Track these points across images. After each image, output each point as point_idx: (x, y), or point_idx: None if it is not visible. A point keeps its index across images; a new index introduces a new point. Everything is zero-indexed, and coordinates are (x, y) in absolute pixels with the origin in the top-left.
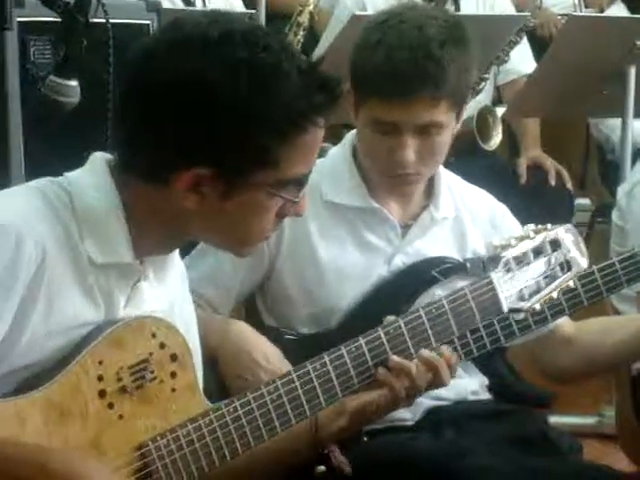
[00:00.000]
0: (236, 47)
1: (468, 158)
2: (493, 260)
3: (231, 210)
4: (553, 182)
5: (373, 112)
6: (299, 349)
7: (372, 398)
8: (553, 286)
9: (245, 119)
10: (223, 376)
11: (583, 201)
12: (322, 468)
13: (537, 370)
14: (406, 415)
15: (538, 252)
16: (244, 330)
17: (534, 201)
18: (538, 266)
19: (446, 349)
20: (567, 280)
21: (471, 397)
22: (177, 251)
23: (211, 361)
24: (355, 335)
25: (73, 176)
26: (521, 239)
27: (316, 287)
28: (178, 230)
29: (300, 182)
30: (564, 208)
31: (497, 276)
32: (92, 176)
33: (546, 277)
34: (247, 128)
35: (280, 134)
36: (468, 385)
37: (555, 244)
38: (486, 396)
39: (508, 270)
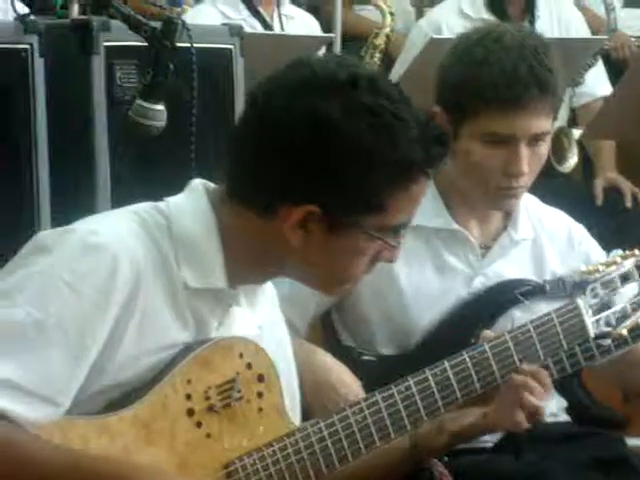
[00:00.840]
0: (361, 91)
1: (543, 180)
2: (580, 285)
3: (331, 249)
4: (629, 204)
5: (488, 125)
6: (377, 370)
7: (472, 419)
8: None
9: (363, 163)
10: (308, 407)
11: None
12: None
13: (611, 393)
14: (486, 437)
15: (626, 278)
16: (327, 362)
17: (610, 223)
18: (625, 292)
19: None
20: None
21: (549, 419)
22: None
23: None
24: (434, 356)
25: (172, 201)
26: (608, 265)
27: (396, 309)
28: (274, 263)
29: (400, 229)
30: None
31: (584, 301)
32: (191, 202)
33: (633, 303)
34: (364, 172)
35: (394, 182)
36: (547, 407)
37: None
38: (564, 418)
39: (595, 296)
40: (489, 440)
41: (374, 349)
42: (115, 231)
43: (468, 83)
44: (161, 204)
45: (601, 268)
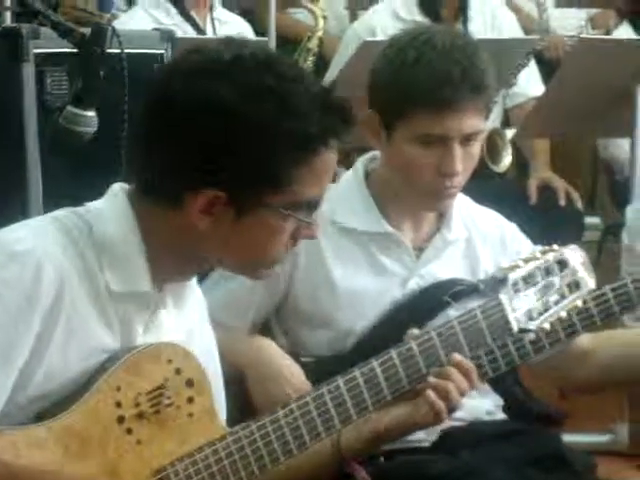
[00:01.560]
0: (254, 70)
1: (477, 180)
2: (501, 281)
3: (244, 232)
4: (563, 202)
5: (420, 127)
6: (314, 372)
7: (398, 414)
8: (561, 305)
9: (259, 142)
10: (250, 393)
11: (592, 220)
12: None
13: (548, 389)
14: (422, 436)
15: (546, 273)
16: (271, 347)
17: (544, 221)
18: (546, 286)
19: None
20: (575, 300)
21: (486, 417)
22: (195, 279)
23: (238, 379)
24: (370, 357)
25: (93, 206)
26: (529, 260)
27: (331, 311)
28: (194, 255)
29: (313, 205)
30: (574, 227)
31: (506, 297)
32: (111, 206)
33: (555, 297)
34: (262, 150)
35: (294, 156)
36: (483, 405)
37: (563, 264)
38: (501, 416)
39: (517, 291)
40: (425, 439)
41: (312, 352)
42: (38, 238)
43: (399, 85)
44: (81, 209)
45: (522, 263)
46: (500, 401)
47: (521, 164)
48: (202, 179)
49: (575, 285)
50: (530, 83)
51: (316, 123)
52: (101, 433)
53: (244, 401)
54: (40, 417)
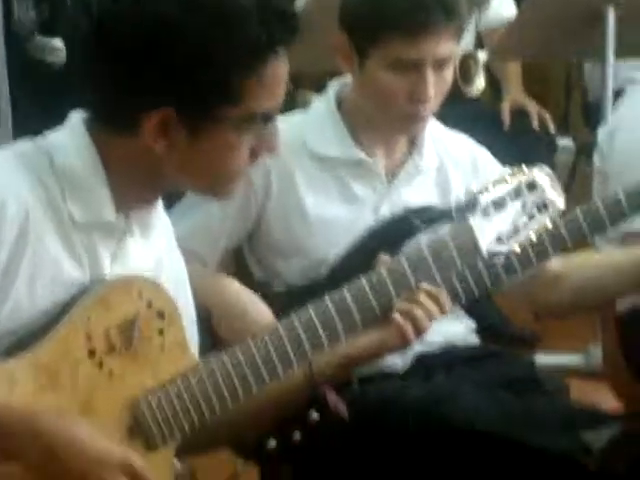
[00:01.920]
0: None
1: (451, 104)
2: (471, 205)
3: (201, 149)
4: (536, 125)
5: (393, 51)
6: (288, 301)
7: (369, 338)
8: (530, 227)
9: (204, 54)
10: (217, 334)
11: (565, 142)
12: (316, 415)
13: (522, 311)
14: (396, 361)
15: (515, 195)
16: (238, 289)
17: (517, 144)
18: (515, 208)
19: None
20: (544, 220)
21: (459, 341)
22: (161, 206)
23: (205, 317)
24: (341, 286)
25: (52, 137)
26: (498, 183)
27: (304, 238)
28: (155, 178)
29: (267, 117)
30: (546, 149)
31: (475, 220)
32: (70, 136)
33: (524, 219)
34: (206, 63)
35: (241, 67)
36: (456, 329)
37: (531, 186)
38: (474, 340)
39: (486, 215)
40: (399, 365)
41: (285, 280)
42: None
43: (372, 10)
44: (40, 141)
45: (491, 187)
46: (474, 325)
47: (494, 87)
48: (152, 100)
49: (544, 206)
50: (503, 5)
51: (260, 31)
52: (72, 367)
53: (211, 339)
54: (9, 352)
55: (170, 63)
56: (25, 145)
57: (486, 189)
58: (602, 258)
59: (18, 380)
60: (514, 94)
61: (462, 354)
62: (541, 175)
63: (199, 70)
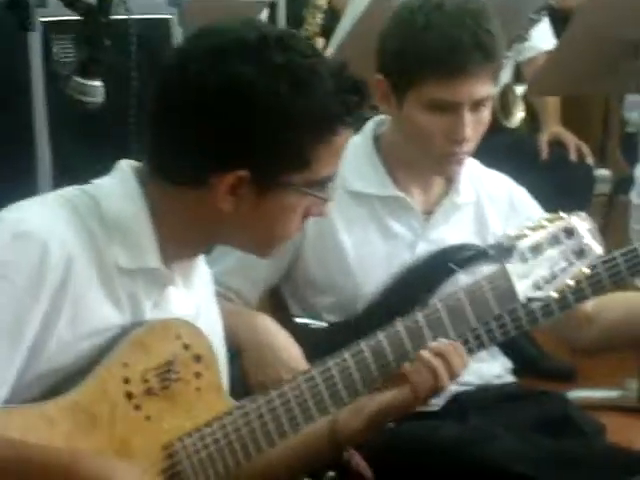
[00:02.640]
0: (273, 51)
1: (491, 136)
2: (508, 250)
3: (263, 211)
4: (574, 157)
5: (430, 93)
6: (325, 338)
7: (390, 398)
8: (568, 274)
9: (282, 121)
10: (246, 370)
11: (603, 172)
12: (331, 474)
13: (559, 345)
14: (432, 401)
15: (553, 241)
16: (270, 326)
17: (555, 176)
18: (553, 255)
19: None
20: (582, 267)
21: (495, 381)
22: (202, 255)
23: (237, 353)
24: (379, 322)
25: (100, 183)
26: (535, 228)
27: (340, 275)
28: (208, 233)
29: (328, 182)
30: (585, 182)
31: (512, 266)
32: (119, 183)
33: (561, 265)
34: (284, 130)
35: (314, 135)
36: (491, 369)
37: (569, 232)
38: (510, 379)
39: (524, 260)
40: (435, 404)
41: (321, 317)
42: (43, 217)
43: (410, 50)
44: (88, 186)
45: (528, 232)
46: (509, 364)
47: (533, 118)
48: (227, 160)
49: (582, 253)
50: (542, 37)
51: (335, 102)
52: (110, 409)
53: (240, 375)
54: (48, 394)
55: (248, 128)
56: (70, 190)
57: (524, 234)
58: (633, 299)
59: (57, 421)
60: (552, 125)
61: (497, 394)
62: (579, 221)
63: (276, 137)
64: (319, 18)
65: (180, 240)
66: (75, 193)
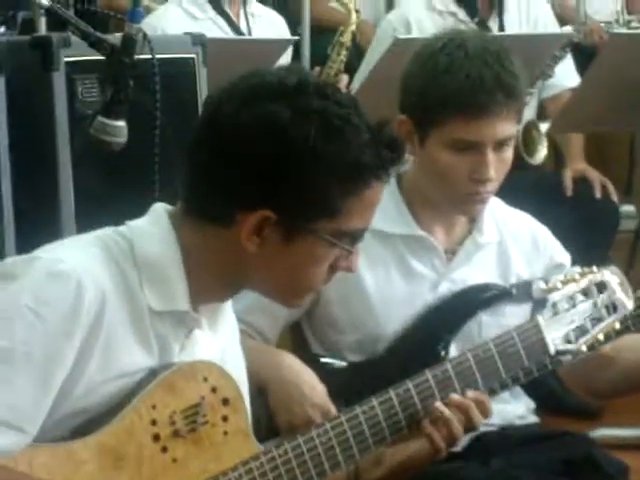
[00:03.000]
0: (310, 96)
1: (514, 173)
2: (540, 303)
3: (289, 256)
4: (599, 194)
5: (453, 132)
6: (346, 377)
7: (411, 450)
8: (599, 328)
9: (314, 167)
10: (272, 408)
11: (628, 208)
12: None
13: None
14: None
15: (584, 294)
16: (294, 364)
17: (580, 213)
18: (584, 308)
19: (471, 392)
20: (613, 322)
21: (517, 421)
22: (229, 302)
23: (261, 392)
24: (402, 362)
25: (134, 225)
26: (568, 282)
27: (362, 314)
28: (235, 276)
29: (357, 236)
30: (610, 219)
31: (544, 319)
32: (153, 225)
33: (592, 319)
34: (315, 176)
35: (346, 186)
36: (515, 410)
37: (601, 286)
38: (533, 419)
39: (555, 313)
40: (457, 445)
41: (342, 356)
42: (79, 257)
43: (433, 91)
44: (122, 228)
45: (560, 285)
46: (532, 404)
47: (557, 155)
48: (255, 200)
49: (613, 307)
50: (566, 74)
51: (370, 155)
52: (136, 451)
53: (266, 413)
54: (75, 434)
55: (277, 169)
56: (105, 231)
57: (556, 287)
58: None
59: (83, 461)
60: (576, 162)
61: (520, 435)
62: (611, 275)
63: (306, 182)
64: (343, 55)
65: (209, 283)
66: (109, 234)
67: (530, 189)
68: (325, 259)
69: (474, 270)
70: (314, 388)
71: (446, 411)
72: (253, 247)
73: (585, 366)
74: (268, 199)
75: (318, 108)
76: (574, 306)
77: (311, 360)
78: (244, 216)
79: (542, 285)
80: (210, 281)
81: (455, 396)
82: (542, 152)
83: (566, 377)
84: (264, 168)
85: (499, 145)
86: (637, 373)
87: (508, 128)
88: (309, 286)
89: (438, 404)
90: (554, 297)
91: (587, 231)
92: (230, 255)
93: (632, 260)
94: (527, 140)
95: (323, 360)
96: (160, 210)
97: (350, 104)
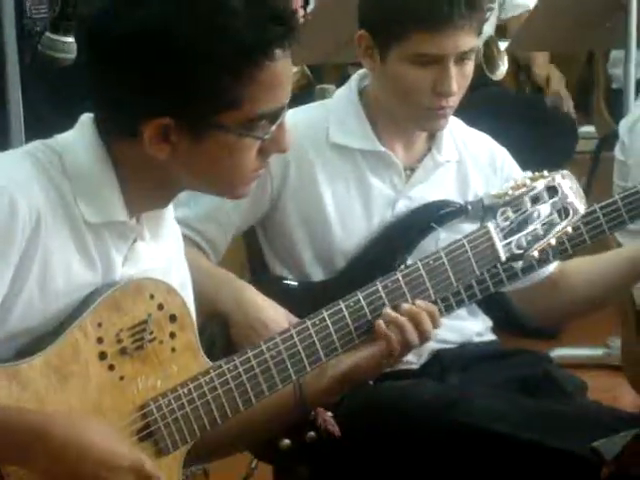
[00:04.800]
0: None
1: (474, 88)
2: (490, 210)
3: (206, 154)
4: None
5: (416, 47)
6: (305, 296)
7: (357, 358)
8: (552, 233)
9: (193, 61)
10: (235, 342)
11: (588, 129)
12: (313, 434)
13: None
14: (411, 359)
15: (536, 200)
16: (257, 298)
17: (539, 130)
18: (536, 214)
19: (421, 301)
20: (565, 227)
21: (476, 339)
22: (171, 209)
23: (222, 321)
24: (361, 280)
25: (63, 138)
26: (517, 188)
27: (320, 229)
28: (164, 182)
29: (272, 118)
30: (568, 136)
31: (494, 225)
32: (81, 137)
33: (544, 224)
34: (196, 70)
35: (233, 72)
36: (473, 327)
37: (553, 191)
38: (491, 337)
39: (506, 219)
40: (414, 362)
41: (301, 273)
42: (9, 173)
43: (393, 5)
44: (50, 141)
45: (510, 192)
46: (490, 323)
47: (517, 72)
48: (148, 108)
49: (565, 211)
50: None
51: (253, 36)
52: (82, 369)
53: (226, 344)
54: (21, 353)
55: (160, 72)
56: (35, 145)
57: (506, 193)
58: (603, 261)
59: (29, 381)
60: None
61: (478, 352)
62: (563, 180)
63: (189, 79)
64: None
65: (142, 191)
66: (39, 148)
67: (490, 105)
68: (245, 149)
69: (432, 188)
70: (279, 323)
71: (399, 316)
72: (164, 155)
73: (532, 291)
74: (159, 105)
75: (188, 1)
76: (525, 212)
77: (268, 279)
78: (144, 127)
79: (492, 191)
80: (143, 189)
81: (405, 305)
82: (502, 68)
83: (519, 305)
84: (147, 75)
85: (461, 59)
86: (584, 297)
87: (470, 40)
88: (242, 175)
89: (389, 310)
90: (504, 203)
91: (546, 148)
92: (150, 164)
93: (591, 180)
94: (488, 56)
95: (282, 280)
96: (87, 121)
97: None
